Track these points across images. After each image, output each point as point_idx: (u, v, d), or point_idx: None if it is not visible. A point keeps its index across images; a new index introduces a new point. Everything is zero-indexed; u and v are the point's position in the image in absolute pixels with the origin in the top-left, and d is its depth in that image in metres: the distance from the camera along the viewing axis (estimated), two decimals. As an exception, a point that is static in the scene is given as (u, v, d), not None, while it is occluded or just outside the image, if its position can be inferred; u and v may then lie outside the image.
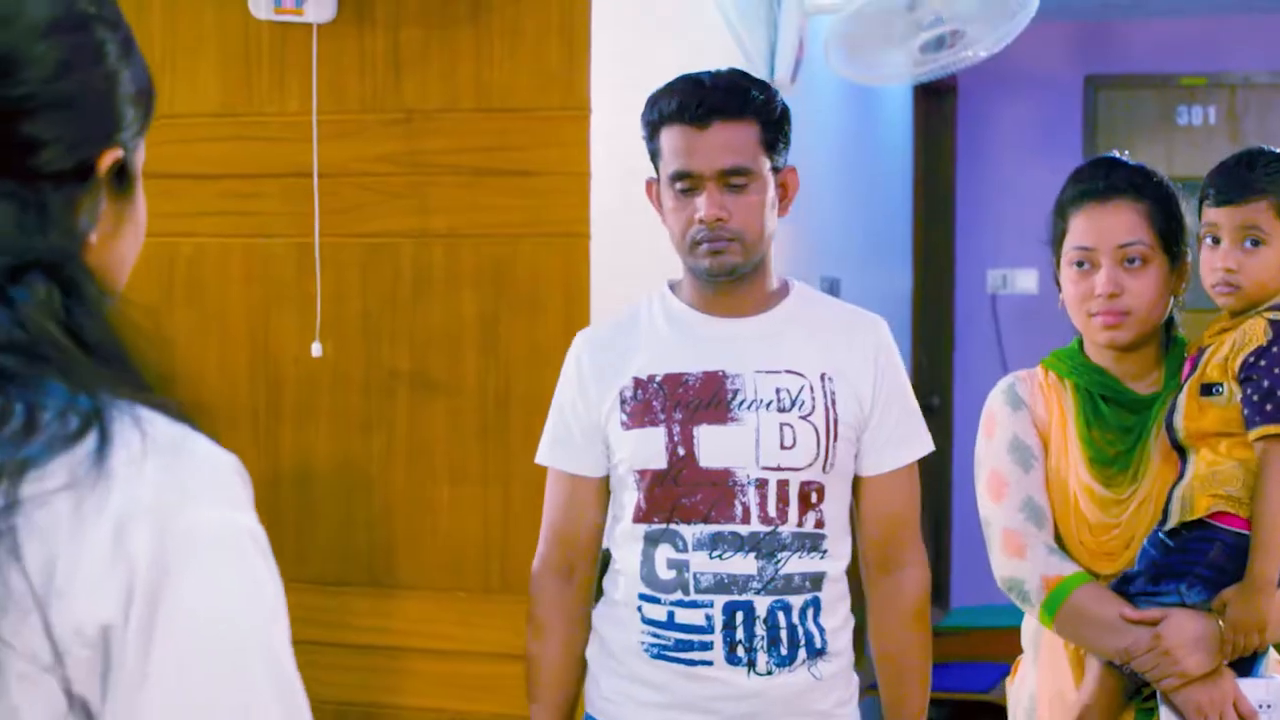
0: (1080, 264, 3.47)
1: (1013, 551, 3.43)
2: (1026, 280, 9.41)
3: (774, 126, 3.39)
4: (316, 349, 4.50)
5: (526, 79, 4.39)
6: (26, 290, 1.54)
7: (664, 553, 3.39)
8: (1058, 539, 3.46)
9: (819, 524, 3.39)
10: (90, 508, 1.47)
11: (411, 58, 4.49)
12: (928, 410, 4.44)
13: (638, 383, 3.44)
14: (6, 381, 1.50)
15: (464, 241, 4.45)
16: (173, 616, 1.49)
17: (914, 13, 5.55)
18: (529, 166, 4.38)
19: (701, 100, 3.35)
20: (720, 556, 3.34)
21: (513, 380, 4.41)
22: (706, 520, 3.35)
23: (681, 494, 3.37)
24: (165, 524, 1.49)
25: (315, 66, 4.51)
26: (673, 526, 3.38)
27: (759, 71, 5.23)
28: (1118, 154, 3.56)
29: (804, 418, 3.37)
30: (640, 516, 3.41)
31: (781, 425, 3.36)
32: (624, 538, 3.46)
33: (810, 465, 3.36)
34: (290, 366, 4.59)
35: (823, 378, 3.41)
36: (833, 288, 6.54)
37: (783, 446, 3.35)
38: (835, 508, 3.42)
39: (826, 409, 3.39)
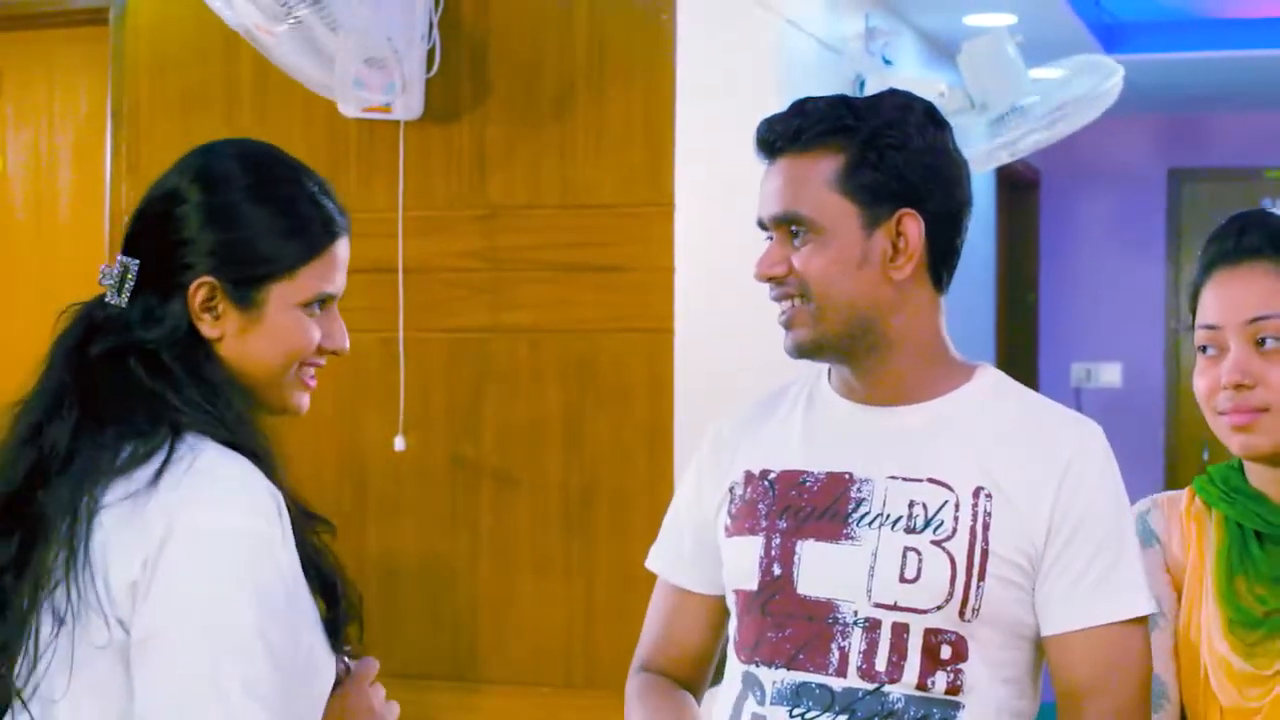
0: (1205, 348, 2.61)
1: None
2: (1110, 374, 9.37)
3: (873, 155, 2.52)
4: (400, 443, 4.51)
5: (611, 175, 4.41)
6: (138, 361, 2.23)
7: (749, 704, 2.57)
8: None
9: (953, 689, 2.47)
10: (137, 510, 2.12)
11: (496, 154, 4.52)
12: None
13: (749, 478, 2.65)
14: (114, 423, 2.18)
15: (548, 336, 4.47)
16: (162, 579, 2.10)
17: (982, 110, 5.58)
18: (613, 262, 4.40)
19: (773, 126, 2.59)
20: (802, 716, 2.50)
21: (597, 475, 4.41)
22: (790, 665, 2.52)
23: (769, 626, 2.55)
24: (175, 517, 2.11)
25: (402, 163, 4.55)
26: (754, 670, 2.57)
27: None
28: (1273, 205, 2.72)
29: (938, 543, 2.49)
30: (737, 650, 2.62)
31: (906, 550, 2.49)
32: (728, 675, 2.66)
33: (939, 608, 2.46)
34: (375, 460, 4.60)
35: (977, 494, 2.50)
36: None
37: (903, 579, 2.48)
38: (986, 672, 2.50)
39: (973, 535, 2.48)
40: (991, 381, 2.64)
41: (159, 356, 2.23)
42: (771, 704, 2.52)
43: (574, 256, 4.45)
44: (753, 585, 2.57)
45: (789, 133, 2.55)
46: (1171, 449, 9.20)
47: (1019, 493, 2.49)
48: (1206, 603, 2.60)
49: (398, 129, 4.55)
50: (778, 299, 2.57)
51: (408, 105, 4.46)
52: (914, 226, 2.53)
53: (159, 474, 2.12)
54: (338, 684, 2.34)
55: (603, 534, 4.35)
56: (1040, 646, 2.54)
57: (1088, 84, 5.65)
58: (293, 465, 4.59)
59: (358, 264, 4.58)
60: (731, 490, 2.67)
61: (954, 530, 2.48)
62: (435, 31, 4.49)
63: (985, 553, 2.47)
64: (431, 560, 4.55)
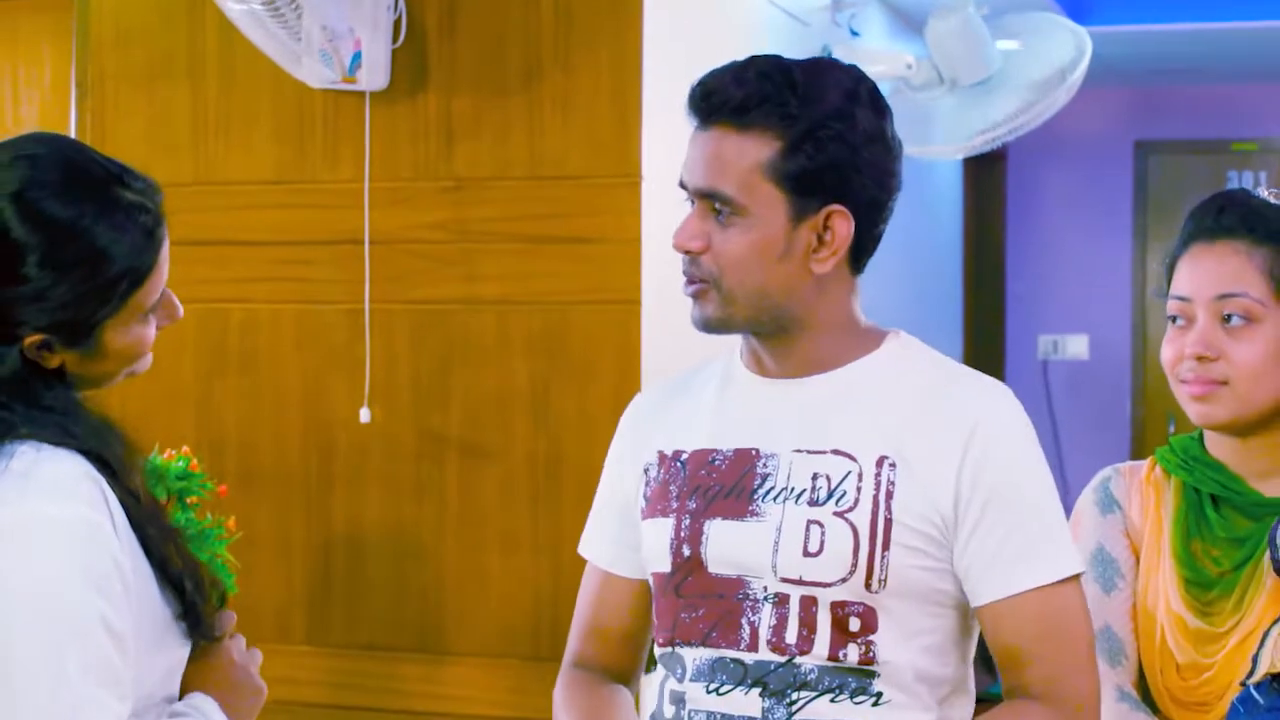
0: (1175, 319, 2.71)
1: None
2: (1077, 345, 9.39)
3: (809, 147, 2.43)
4: (365, 415, 4.51)
5: (578, 147, 4.41)
6: None
7: (669, 683, 2.56)
8: (1142, 681, 2.73)
9: (866, 660, 2.44)
10: None
11: (463, 126, 4.51)
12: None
13: (662, 459, 2.62)
14: None
15: (515, 309, 4.46)
16: None
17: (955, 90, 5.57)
18: (580, 234, 4.39)
19: (711, 91, 2.49)
20: (718, 691, 2.48)
21: (564, 447, 4.41)
22: (705, 643, 2.50)
23: (683, 607, 2.53)
24: None
25: (368, 135, 4.54)
26: (675, 650, 2.54)
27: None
28: (1255, 186, 2.78)
29: (840, 514, 2.44)
30: (657, 632, 2.61)
31: (809, 524, 2.45)
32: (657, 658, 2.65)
33: (844, 580, 2.43)
34: (341, 432, 4.60)
35: (881, 462, 2.45)
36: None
37: (806, 552, 2.44)
38: (901, 643, 2.46)
39: (875, 504, 2.44)
40: (899, 347, 2.58)
41: None
42: (690, 681, 2.51)
43: (541, 228, 4.44)
44: (666, 567, 2.55)
45: (730, 104, 2.45)
46: (1138, 420, 9.22)
47: (923, 460, 2.44)
48: (1164, 565, 2.70)
49: (364, 100, 4.53)
50: (687, 274, 2.51)
51: (373, 76, 4.45)
52: (843, 224, 2.46)
53: None
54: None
55: (569, 506, 4.35)
56: (968, 613, 2.50)
57: (1055, 58, 5.64)
58: (258, 436, 4.61)
59: (324, 235, 4.63)
60: (646, 471, 2.64)
61: (856, 501, 2.44)
62: (401, 2, 4.48)
63: (889, 522, 2.42)
64: (398, 532, 4.55)
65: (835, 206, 2.44)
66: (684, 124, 4.53)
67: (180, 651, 2.29)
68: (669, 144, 4.45)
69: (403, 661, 4.55)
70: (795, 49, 5.57)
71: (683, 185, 2.52)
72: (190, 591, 2.26)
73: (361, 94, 4.52)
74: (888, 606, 2.44)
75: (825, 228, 2.45)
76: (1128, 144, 9.61)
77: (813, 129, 2.42)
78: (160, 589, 2.23)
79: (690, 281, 2.51)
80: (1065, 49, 5.67)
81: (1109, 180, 9.59)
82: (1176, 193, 9.49)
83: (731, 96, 2.45)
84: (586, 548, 2.80)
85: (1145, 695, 2.72)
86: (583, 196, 4.40)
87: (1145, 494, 2.78)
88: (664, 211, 4.40)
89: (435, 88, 4.53)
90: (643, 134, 4.36)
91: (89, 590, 2.09)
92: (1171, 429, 8.51)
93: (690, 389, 2.68)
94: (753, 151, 2.43)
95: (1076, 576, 2.47)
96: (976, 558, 2.43)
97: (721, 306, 2.49)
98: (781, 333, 2.52)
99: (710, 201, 2.46)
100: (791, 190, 2.43)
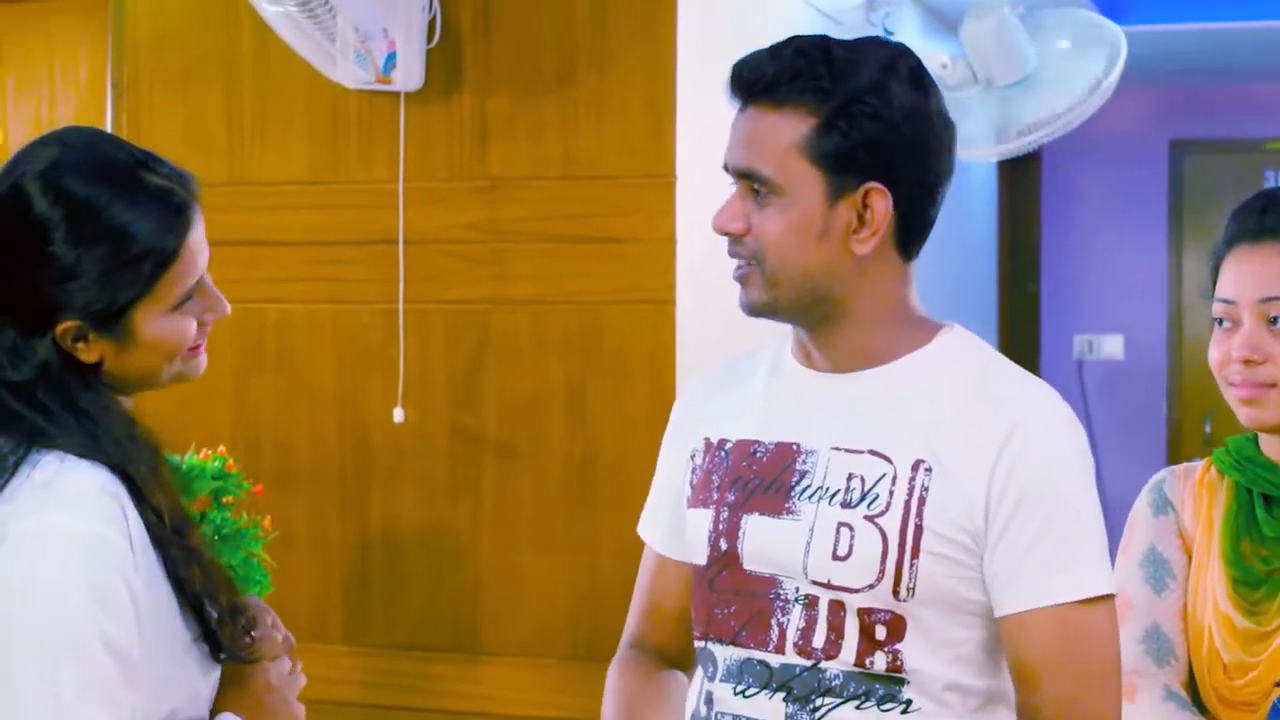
0: (1220, 321, 2.70)
1: (1124, 693, 2.47)
2: (1113, 346, 9.36)
3: (843, 123, 2.36)
4: (399, 415, 4.52)
5: (612, 147, 4.41)
6: (9, 392, 2.22)
7: (703, 681, 2.51)
8: (1192, 683, 2.69)
9: (894, 668, 2.35)
10: None
11: (498, 126, 4.51)
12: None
13: (708, 446, 2.56)
14: None
15: (549, 308, 4.46)
16: None
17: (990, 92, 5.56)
18: (614, 234, 4.39)
19: (748, 69, 2.44)
20: (744, 694, 2.44)
21: (598, 446, 4.41)
22: (735, 641, 2.45)
23: (716, 602, 2.48)
24: (10, 521, 2.11)
25: (403, 135, 4.55)
26: (708, 645, 2.49)
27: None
28: (1274, 177, 2.63)
29: (871, 519, 2.36)
30: (694, 625, 2.55)
31: (840, 526, 2.37)
32: None
33: (871, 587, 2.35)
34: (376, 432, 4.60)
35: (916, 466, 2.36)
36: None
37: (835, 556, 2.36)
38: (930, 653, 2.37)
39: (907, 510, 2.35)
40: (952, 343, 2.47)
41: (32, 389, 2.21)
42: (720, 681, 2.46)
43: (575, 228, 4.44)
44: (703, 560, 2.49)
45: (763, 81, 2.40)
46: (1174, 421, 9.19)
47: (957, 464, 2.34)
48: (1213, 565, 2.67)
49: (398, 100, 4.54)
50: (732, 256, 2.45)
51: (408, 77, 4.46)
52: (881, 202, 2.36)
53: (1, 487, 2.15)
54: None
55: (604, 505, 4.35)
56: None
57: (1091, 58, 5.62)
58: (294, 436, 4.62)
59: (359, 235, 4.63)
60: (693, 458, 2.58)
61: (888, 505, 2.34)
62: (435, 3, 4.49)
63: (919, 529, 2.32)
64: (433, 532, 4.55)
65: (873, 184, 2.36)
66: (718, 123, 4.52)
67: (206, 674, 2.27)
68: (702, 144, 4.45)
69: (438, 661, 4.55)
70: (829, 49, 5.57)
71: (726, 168, 2.45)
72: (211, 614, 2.25)
73: (396, 94, 4.53)
74: (916, 615, 2.35)
75: (864, 206, 2.37)
76: (1163, 143, 9.58)
77: (846, 104, 2.35)
78: (181, 610, 2.22)
79: (735, 258, 2.44)
80: (1101, 49, 5.65)
81: (1144, 180, 9.56)
82: (1212, 192, 9.46)
83: (766, 74, 2.40)
84: (644, 529, 2.72)
85: (1195, 696, 2.68)
86: (617, 196, 4.40)
87: (1199, 495, 2.74)
88: (697, 211, 4.40)
89: (470, 88, 4.53)
90: (676, 134, 4.36)
91: (91, 606, 2.08)
92: (1208, 428, 8.48)
93: (741, 376, 2.61)
94: (787, 129, 2.37)
95: (1107, 597, 2.34)
96: (1002, 565, 2.33)
97: (765, 289, 2.42)
98: (826, 321, 2.44)
99: (749, 182, 2.40)
100: (827, 168, 2.35)
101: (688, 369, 4.33)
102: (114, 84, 4.88)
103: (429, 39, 4.50)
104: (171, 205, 2.24)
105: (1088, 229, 9.56)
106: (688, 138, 4.38)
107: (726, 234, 2.43)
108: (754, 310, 2.46)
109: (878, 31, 6.01)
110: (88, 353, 2.23)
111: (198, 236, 2.27)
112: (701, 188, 4.42)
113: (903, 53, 2.43)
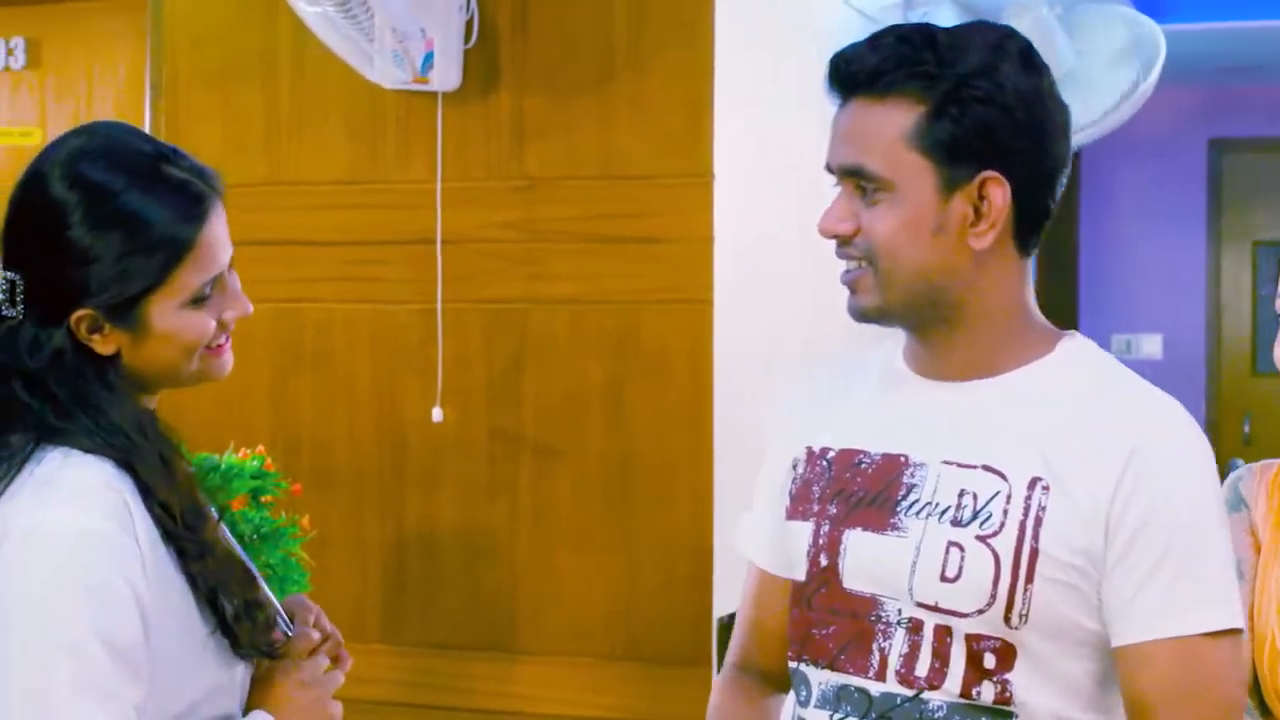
0: None
1: None
2: (1151, 345, 9.32)
3: (954, 109, 2.21)
4: (438, 414, 4.52)
5: (650, 146, 4.41)
6: (21, 384, 2.23)
7: (795, 706, 2.38)
8: (1255, 685, 2.64)
9: (1003, 699, 2.20)
10: None
11: (535, 126, 4.51)
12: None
13: (810, 455, 2.41)
14: None
15: (587, 308, 4.46)
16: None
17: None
18: (652, 233, 4.39)
19: (847, 61, 2.27)
20: None
21: (636, 446, 4.40)
22: (833, 665, 2.30)
23: (814, 621, 2.33)
24: (9, 521, 2.11)
25: (440, 135, 4.55)
26: (802, 667, 2.35)
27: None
28: None
29: (983, 539, 2.20)
30: (788, 644, 2.41)
31: (949, 545, 2.22)
32: None
33: (981, 612, 2.19)
34: (414, 432, 4.61)
35: (1033, 485, 2.20)
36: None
37: (944, 577, 2.21)
38: (1041, 684, 2.22)
39: (1022, 531, 2.18)
40: (1073, 353, 2.31)
41: (44, 380, 2.21)
42: (814, 707, 2.31)
43: (612, 228, 4.44)
44: (801, 576, 2.33)
45: (864, 73, 2.23)
46: (1212, 421, 9.15)
47: (1077, 484, 2.17)
48: (1277, 564, 2.62)
49: (436, 100, 4.54)
50: (842, 258, 2.28)
51: (445, 77, 4.46)
52: (999, 191, 2.22)
53: (7, 484, 2.16)
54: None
55: (643, 505, 4.35)
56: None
57: (1130, 58, 5.60)
58: (332, 436, 4.63)
59: (396, 235, 4.64)
60: (794, 466, 2.42)
61: (1002, 525, 2.18)
62: (473, 2, 4.49)
63: (1035, 553, 2.16)
64: (471, 532, 4.56)
65: (990, 173, 2.21)
66: (755, 122, 4.53)
67: (228, 667, 2.26)
68: (741, 143, 4.45)
69: (475, 660, 4.55)
70: (867, 47, 5.56)
71: (829, 169, 2.29)
72: (225, 609, 2.23)
73: (434, 94, 4.53)
74: (1027, 644, 2.19)
75: (981, 197, 2.22)
76: (1202, 142, 9.55)
77: (955, 89, 2.20)
78: (197, 603, 2.21)
79: (847, 268, 2.28)
80: (1140, 48, 5.63)
81: (1183, 179, 9.53)
82: (1251, 191, 9.43)
83: (867, 64, 2.23)
84: (745, 541, 2.57)
85: (1258, 697, 2.64)
86: (654, 196, 4.40)
87: (1271, 492, 2.68)
88: (735, 210, 4.39)
89: (507, 88, 4.53)
90: (714, 133, 4.35)
91: (86, 602, 2.09)
92: (1246, 428, 8.45)
93: (846, 381, 2.46)
94: (894, 120, 2.21)
95: (1233, 631, 2.17)
96: (1119, 592, 2.17)
97: (879, 293, 2.26)
98: (942, 324, 2.28)
99: (855, 180, 2.24)
100: (940, 158, 2.21)
101: (725, 367, 4.33)
102: (152, 84, 4.89)
103: (466, 39, 4.50)
104: (189, 196, 2.24)
105: (1126, 228, 9.53)
106: (725, 137, 4.38)
107: (834, 236, 2.27)
108: (864, 316, 2.30)
109: (915, 30, 5.99)
110: (104, 344, 2.23)
111: (216, 231, 2.26)
112: (739, 187, 4.41)
113: (1010, 33, 2.29)
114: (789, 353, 4.49)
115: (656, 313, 4.39)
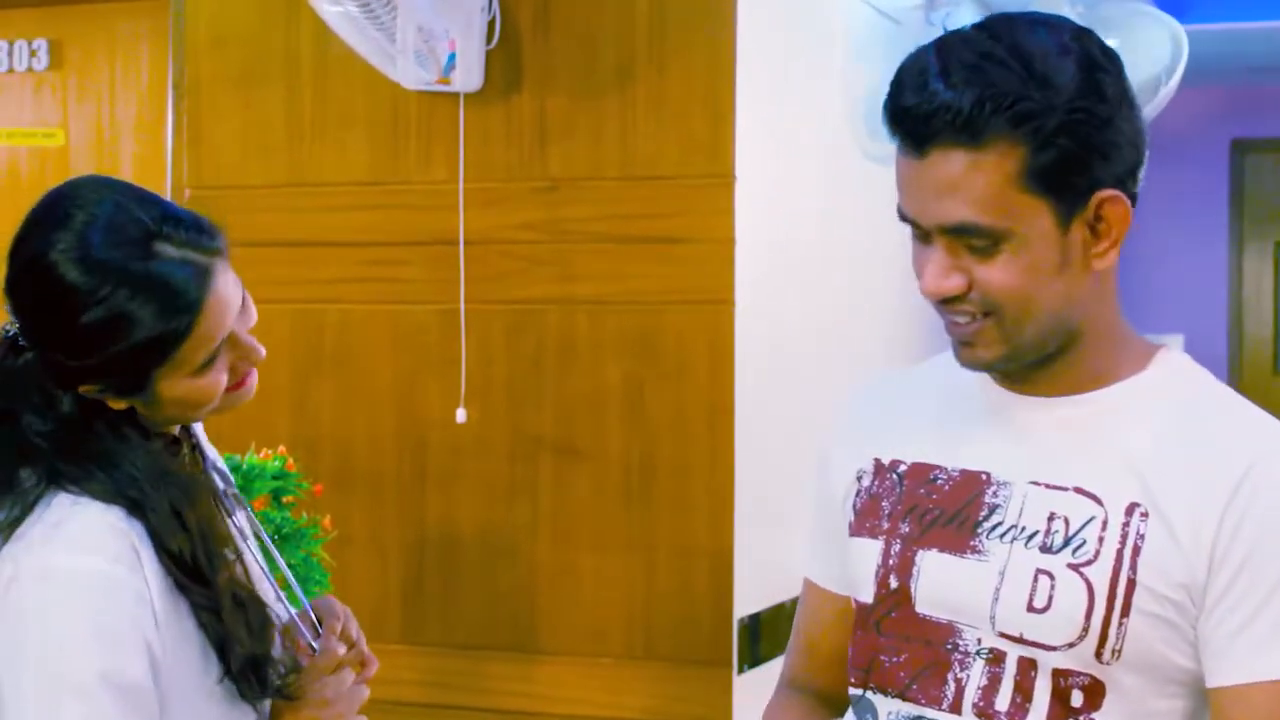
0: None
1: None
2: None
3: (1065, 144, 2.03)
4: (461, 415, 4.52)
5: (671, 147, 4.40)
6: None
7: None
8: None
9: None
10: None
11: (557, 126, 4.51)
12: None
13: (878, 468, 2.28)
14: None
15: (609, 309, 4.46)
16: (2, 624, 2.12)
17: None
18: (674, 234, 4.39)
19: (927, 112, 2.03)
20: None
21: (657, 448, 4.40)
22: (904, 695, 2.17)
23: (884, 647, 2.21)
24: (20, 564, 2.14)
25: (462, 136, 4.55)
26: (868, 695, 2.22)
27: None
28: None
29: (1075, 568, 2.06)
30: (850, 669, 2.28)
31: (1038, 573, 2.08)
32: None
33: (1070, 646, 2.06)
34: (435, 433, 4.61)
35: (1130, 511, 2.06)
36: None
37: (1031, 607, 2.07)
38: None
39: (1119, 561, 2.05)
40: (1173, 368, 2.20)
41: (56, 432, 2.24)
42: None
43: (634, 229, 4.44)
44: (868, 597, 2.22)
45: (952, 122, 2.01)
46: (1234, 422, 9.14)
47: (1179, 513, 2.04)
48: None
49: (458, 101, 4.54)
50: (954, 314, 2.12)
51: (468, 77, 4.46)
52: (1117, 207, 2.10)
53: (16, 527, 2.18)
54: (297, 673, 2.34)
55: (663, 507, 4.35)
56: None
57: (1154, 58, 5.59)
58: (353, 436, 4.63)
59: (418, 236, 4.64)
60: (859, 479, 2.30)
61: (1097, 553, 2.05)
62: (495, 3, 4.49)
63: (1132, 584, 2.04)
64: (492, 532, 4.56)
65: (1105, 192, 2.09)
66: (777, 122, 4.53)
67: (241, 710, 2.28)
68: (763, 144, 4.45)
69: (496, 661, 4.55)
70: (888, 48, 5.55)
71: (914, 222, 2.11)
72: (232, 657, 2.24)
73: (456, 95, 4.53)
74: (1118, 681, 2.06)
75: (1098, 218, 2.10)
76: (1224, 143, 9.53)
77: (1064, 121, 2.03)
78: (209, 649, 2.23)
79: (963, 324, 2.12)
80: (1163, 48, 5.62)
81: (1205, 179, 9.52)
82: (1274, 191, 9.41)
83: (953, 110, 2.01)
84: (801, 559, 2.48)
85: None
86: (676, 196, 4.40)
87: None
88: (757, 211, 4.39)
89: (529, 88, 4.54)
90: (736, 133, 4.35)
91: (93, 644, 2.10)
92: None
93: (916, 388, 2.34)
94: (998, 166, 2.02)
95: None
96: (1219, 628, 2.03)
97: (1004, 343, 2.11)
98: (1060, 351, 2.15)
99: (964, 239, 2.06)
100: (1054, 193, 2.05)
101: (747, 370, 4.33)
102: (175, 85, 4.90)
103: (489, 39, 4.50)
104: (183, 281, 2.20)
105: (1147, 228, 9.50)
106: (747, 137, 4.37)
107: (943, 297, 2.10)
108: (987, 368, 2.17)
109: (937, 31, 5.99)
110: (116, 403, 2.26)
111: (219, 297, 2.23)
112: (761, 187, 4.42)
113: (1078, 31, 2.11)
114: (811, 354, 4.49)
115: (678, 314, 4.39)
